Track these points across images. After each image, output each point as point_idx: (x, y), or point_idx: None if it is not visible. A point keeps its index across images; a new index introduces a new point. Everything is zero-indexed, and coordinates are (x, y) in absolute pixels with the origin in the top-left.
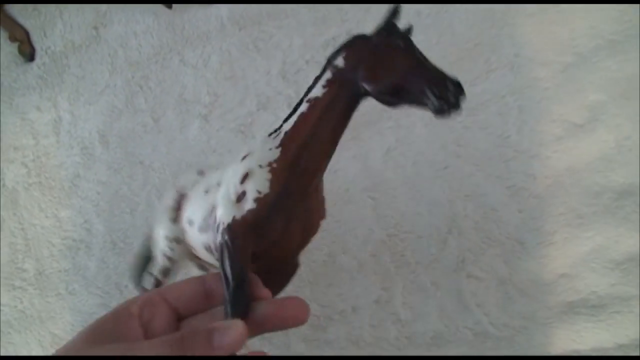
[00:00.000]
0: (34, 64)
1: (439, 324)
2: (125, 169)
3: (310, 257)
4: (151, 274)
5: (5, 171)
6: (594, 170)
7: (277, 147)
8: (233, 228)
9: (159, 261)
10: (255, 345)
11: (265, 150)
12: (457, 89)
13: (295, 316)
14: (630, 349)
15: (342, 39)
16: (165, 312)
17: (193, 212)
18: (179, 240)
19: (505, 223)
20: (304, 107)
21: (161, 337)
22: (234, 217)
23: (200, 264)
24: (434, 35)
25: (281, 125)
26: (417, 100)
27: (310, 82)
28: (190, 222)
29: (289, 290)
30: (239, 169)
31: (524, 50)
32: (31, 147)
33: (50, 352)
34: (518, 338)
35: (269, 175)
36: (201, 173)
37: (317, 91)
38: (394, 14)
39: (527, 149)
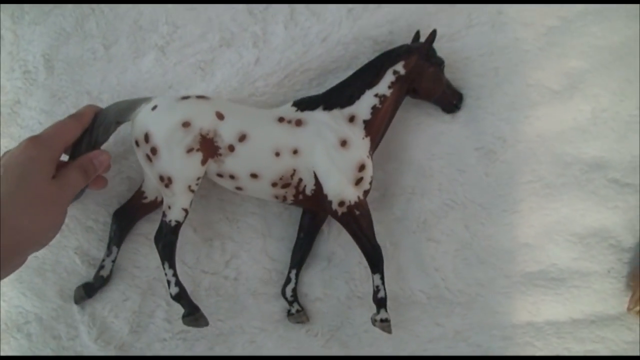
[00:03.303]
0: None
1: (394, 285)
2: (71, 98)
3: (267, 208)
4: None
5: None
6: (567, 140)
7: (366, 137)
8: (360, 205)
9: (184, 198)
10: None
11: (360, 139)
12: (461, 99)
13: None
14: (584, 325)
15: None
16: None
17: (257, 167)
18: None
19: (471, 186)
20: (374, 100)
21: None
22: (358, 197)
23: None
24: None
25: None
26: (443, 107)
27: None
28: (254, 175)
29: (241, 234)
30: (346, 157)
31: (507, 8)
32: None
33: None
34: (473, 305)
35: (371, 162)
36: (220, 117)
37: (384, 90)
38: (434, 37)
39: (498, 112)
